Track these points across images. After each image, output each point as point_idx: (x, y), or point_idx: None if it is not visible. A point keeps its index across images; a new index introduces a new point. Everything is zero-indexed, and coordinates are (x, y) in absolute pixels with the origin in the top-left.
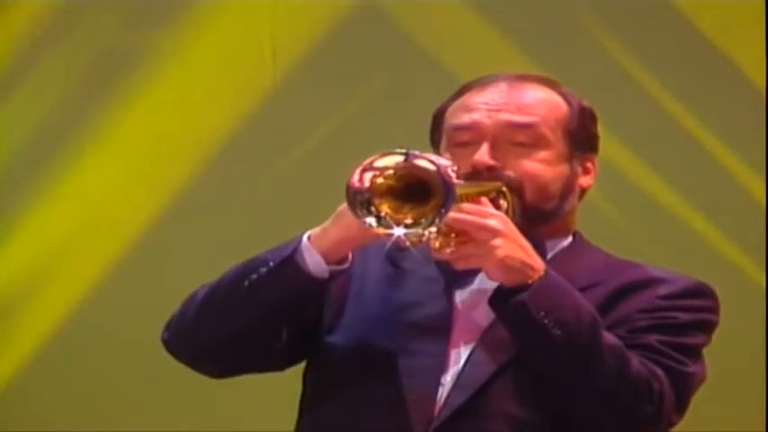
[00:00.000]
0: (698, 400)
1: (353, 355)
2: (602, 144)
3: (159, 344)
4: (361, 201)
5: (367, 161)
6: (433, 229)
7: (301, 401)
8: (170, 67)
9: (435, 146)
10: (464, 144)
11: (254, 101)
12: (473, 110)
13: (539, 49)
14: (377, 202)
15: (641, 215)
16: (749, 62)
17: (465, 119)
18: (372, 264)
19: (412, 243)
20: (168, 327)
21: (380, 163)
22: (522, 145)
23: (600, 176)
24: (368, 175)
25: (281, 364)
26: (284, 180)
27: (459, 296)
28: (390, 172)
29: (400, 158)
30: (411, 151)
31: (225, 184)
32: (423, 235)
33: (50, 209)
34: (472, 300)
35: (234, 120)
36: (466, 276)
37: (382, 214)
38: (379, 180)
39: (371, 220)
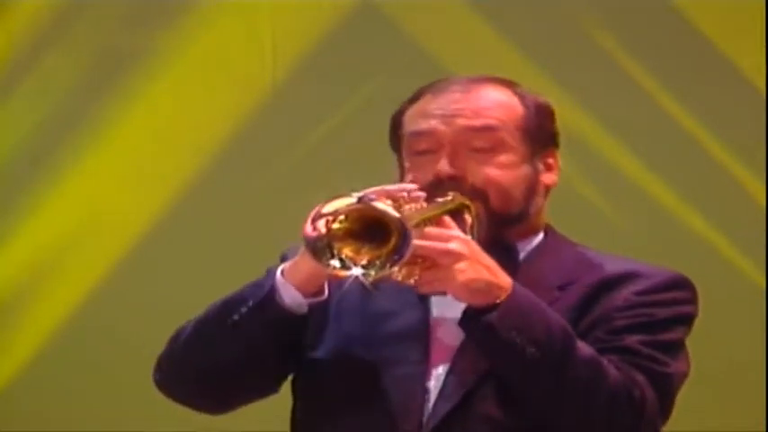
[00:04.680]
0: (698, 399)
1: (337, 369)
2: (602, 144)
3: (159, 343)
4: (321, 247)
5: (314, 211)
6: (391, 269)
7: (292, 415)
8: (170, 67)
9: (395, 149)
10: (423, 152)
11: (254, 101)
12: (429, 116)
13: (538, 50)
14: (337, 245)
15: (641, 215)
16: (749, 63)
17: (422, 126)
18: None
19: (375, 280)
20: (159, 368)
21: (329, 208)
22: (481, 150)
23: (600, 176)
24: (321, 223)
25: (274, 387)
26: (284, 180)
27: (435, 303)
28: (343, 216)
29: (352, 200)
30: (366, 193)
31: (225, 184)
32: (383, 272)
33: (51, 208)
34: (448, 306)
35: (234, 120)
36: None
37: (343, 256)
38: (336, 225)
39: (335, 263)
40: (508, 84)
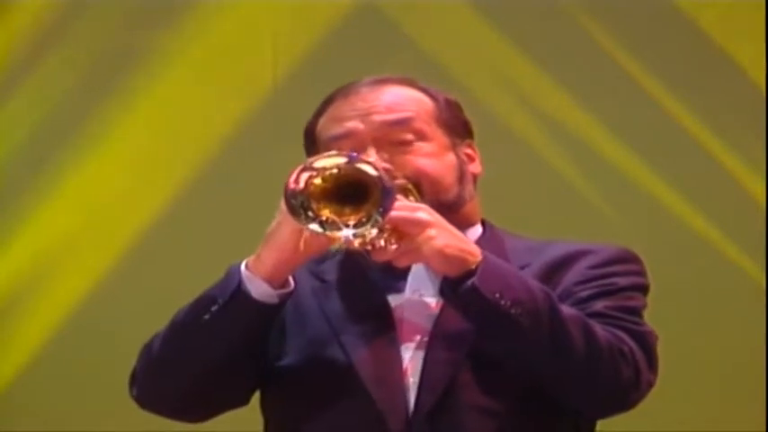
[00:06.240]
0: (698, 399)
1: (312, 374)
2: (602, 144)
3: None
4: (296, 205)
5: (307, 161)
6: (375, 229)
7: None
8: (171, 67)
9: None
10: None
11: (255, 101)
12: (345, 119)
13: (539, 50)
14: (315, 206)
15: (641, 215)
16: (749, 62)
17: (340, 129)
18: (300, 282)
19: (360, 245)
20: (134, 383)
21: (319, 164)
22: (403, 142)
23: (600, 176)
24: (304, 176)
25: (247, 398)
26: (284, 180)
27: (394, 300)
28: (329, 173)
29: (341, 160)
30: (351, 153)
31: (225, 184)
32: (366, 236)
33: (51, 209)
34: (408, 303)
35: (234, 120)
36: (396, 281)
37: (324, 218)
38: (316, 182)
39: (315, 227)
40: (413, 82)
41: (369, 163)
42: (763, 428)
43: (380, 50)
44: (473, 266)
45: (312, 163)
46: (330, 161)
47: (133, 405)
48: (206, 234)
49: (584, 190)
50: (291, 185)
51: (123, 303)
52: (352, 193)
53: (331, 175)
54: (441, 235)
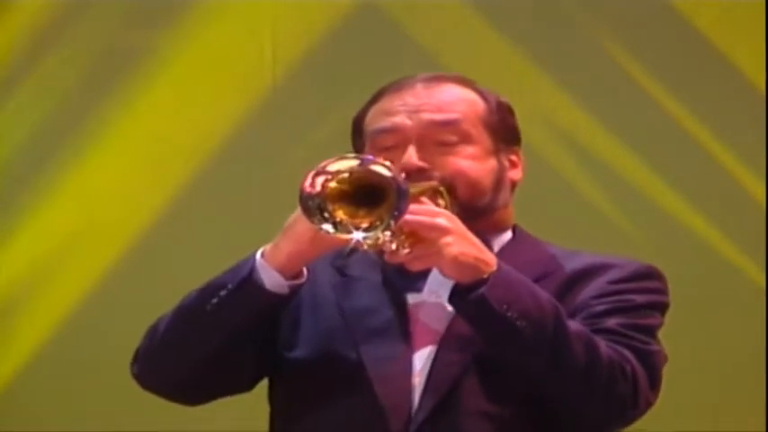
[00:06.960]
0: (698, 399)
1: (320, 367)
2: (603, 145)
3: None
4: (313, 206)
5: (320, 165)
6: (388, 232)
7: (271, 422)
8: (170, 67)
9: (359, 153)
10: (389, 148)
11: (254, 101)
12: (393, 113)
13: (538, 50)
14: (330, 207)
15: (641, 216)
16: (749, 62)
17: (386, 123)
18: (320, 275)
19: (369, 246)
20: (136, 360)
21: (333, 167)
22: (447, 143)
23: (600, 177)
24: (320, 180)
25: (249, 385)
26: (284, 180)
27: (412, 299)
28: (343, 176)
29: (354, 163)
30: (365, 156)
31: (225, 184)
32: (379, 238)
33: (51, 209)
34: (425, 303)
35: (234, 120)
36: (415, 281)
37: (338, 219)
38: (332, 184)
39: (328, 227)
40: (468, 81)
41: (384, 165)
42: (764, 428)
43: (380, 50)
44: (485, 276)
45: (325, 166)
46: (343, 164)
47: (133, 405)
48: (206, 234)
49: (582, 190)
50: (307, 189)
51: (123, 303)
52: (369, 195)
53: (347, 177)
54: (457, 242)
